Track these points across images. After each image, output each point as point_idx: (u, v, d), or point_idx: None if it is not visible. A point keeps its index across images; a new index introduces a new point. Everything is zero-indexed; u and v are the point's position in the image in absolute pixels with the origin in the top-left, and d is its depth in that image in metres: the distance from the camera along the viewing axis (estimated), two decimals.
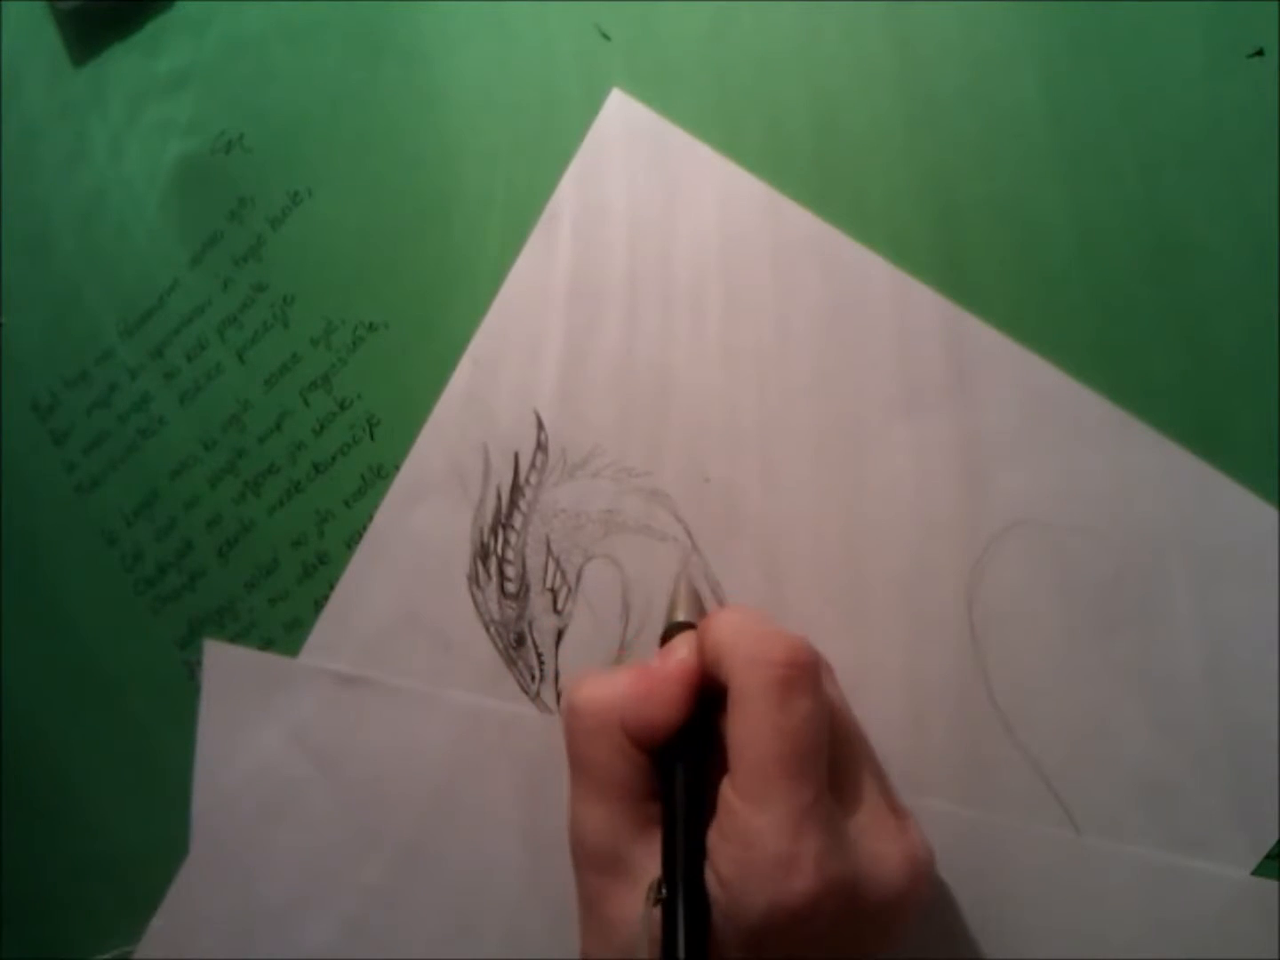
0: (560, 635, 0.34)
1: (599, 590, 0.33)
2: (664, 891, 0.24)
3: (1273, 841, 0.26)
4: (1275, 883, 0.26)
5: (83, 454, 0.43)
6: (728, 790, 0.24)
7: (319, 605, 0.37)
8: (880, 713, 0.30)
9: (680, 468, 0.32)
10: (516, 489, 0.34)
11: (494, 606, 0.35)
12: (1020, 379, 0.29)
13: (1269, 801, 0.26)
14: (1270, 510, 0.27)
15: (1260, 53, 0.28)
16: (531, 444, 0.34)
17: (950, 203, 0.30)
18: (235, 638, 0.39)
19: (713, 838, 0.24)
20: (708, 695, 0.26)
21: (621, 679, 0.27)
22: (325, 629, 0.37)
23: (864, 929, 0.24)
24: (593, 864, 0.26)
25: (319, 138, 0.39)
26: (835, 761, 0.25)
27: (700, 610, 0.30)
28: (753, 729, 0.24)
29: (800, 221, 0.32)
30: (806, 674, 0.25)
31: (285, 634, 0.38)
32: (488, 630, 0.35)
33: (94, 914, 0.41)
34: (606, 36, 0.34)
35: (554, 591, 0.34)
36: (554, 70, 0.35)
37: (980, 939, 0.28)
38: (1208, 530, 0.27)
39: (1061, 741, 0.28)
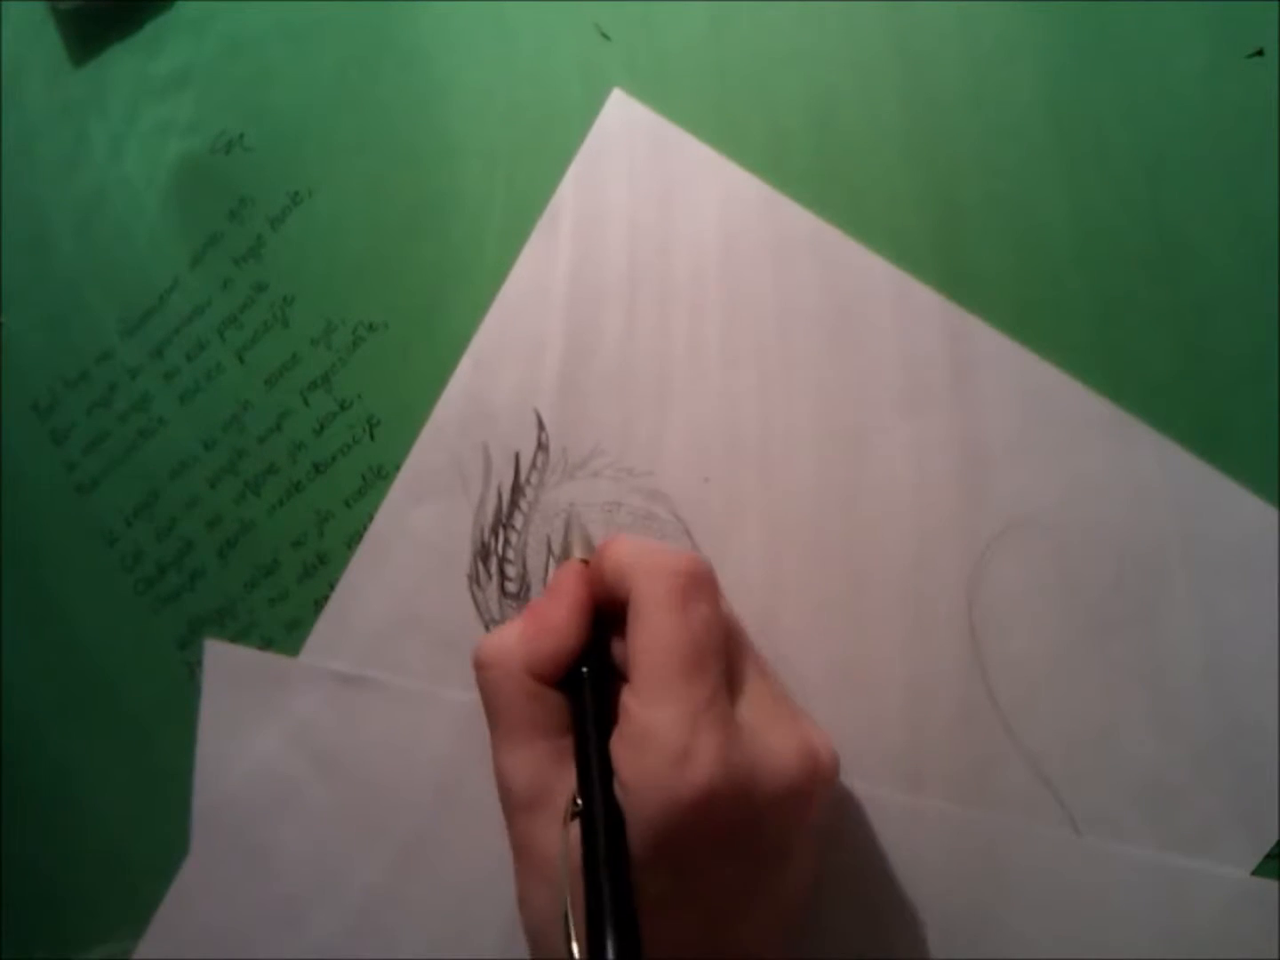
0: None
1: None
2: (579, 804, 0.24)
3: (1273, 841, 0.26)
4: (1275, 883, 0.26)
5: (83, 454, 0.43)
6: (627, 696, 0.25)
7: (319, 605, 0.37)
8: (880, 713, 0.30)
9: (680, 468, 0.32)
10: (517, 489, 0.34)
11: (494, 606, 0.35)
12: (1020, 379, 0.29)
13: (1269, 801, 0.26)
14: (1270, 510, 0.27)
15: (1260, 53, 0.28)
16: (532, 444, 0.34)
17: (950, 203, 0.30)
18: (235, 638, 0.39)
19: (615, 745, 0.25)
20: (606, 621, 0.27)
21: (516, 624, 0.28)
22: (325, 629, 0.37)
23: (763, 821, 0.24)
24: (520, 806, 0.26)
25: (319, 138, 0.39)
26: (732, 668, 0.26)
27: (590, 548, 0.30)
28: (652, 634, 0.25)
29: (800, 221, 0.32)
30: (704, 583, 0.26)
31: (285, 634, 0.38)
32: (487, 630, 0.34)
33: (94, 914, 0.41)
34: (606, 36, 0.34)
35: None
36: (554, 70, 0.35)
37: (980, 939, 0.28)
38: (1208, 530, 0.27)
39: (1061, 741, 0.28)
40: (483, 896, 0.34)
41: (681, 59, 0.33)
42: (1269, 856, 0.26)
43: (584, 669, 0.27)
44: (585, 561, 0.29)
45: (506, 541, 0.34)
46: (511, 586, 0.34)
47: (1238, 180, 0.28)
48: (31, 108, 0.44)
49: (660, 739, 0.23)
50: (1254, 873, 0.27)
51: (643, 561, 0.26)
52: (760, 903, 0.25)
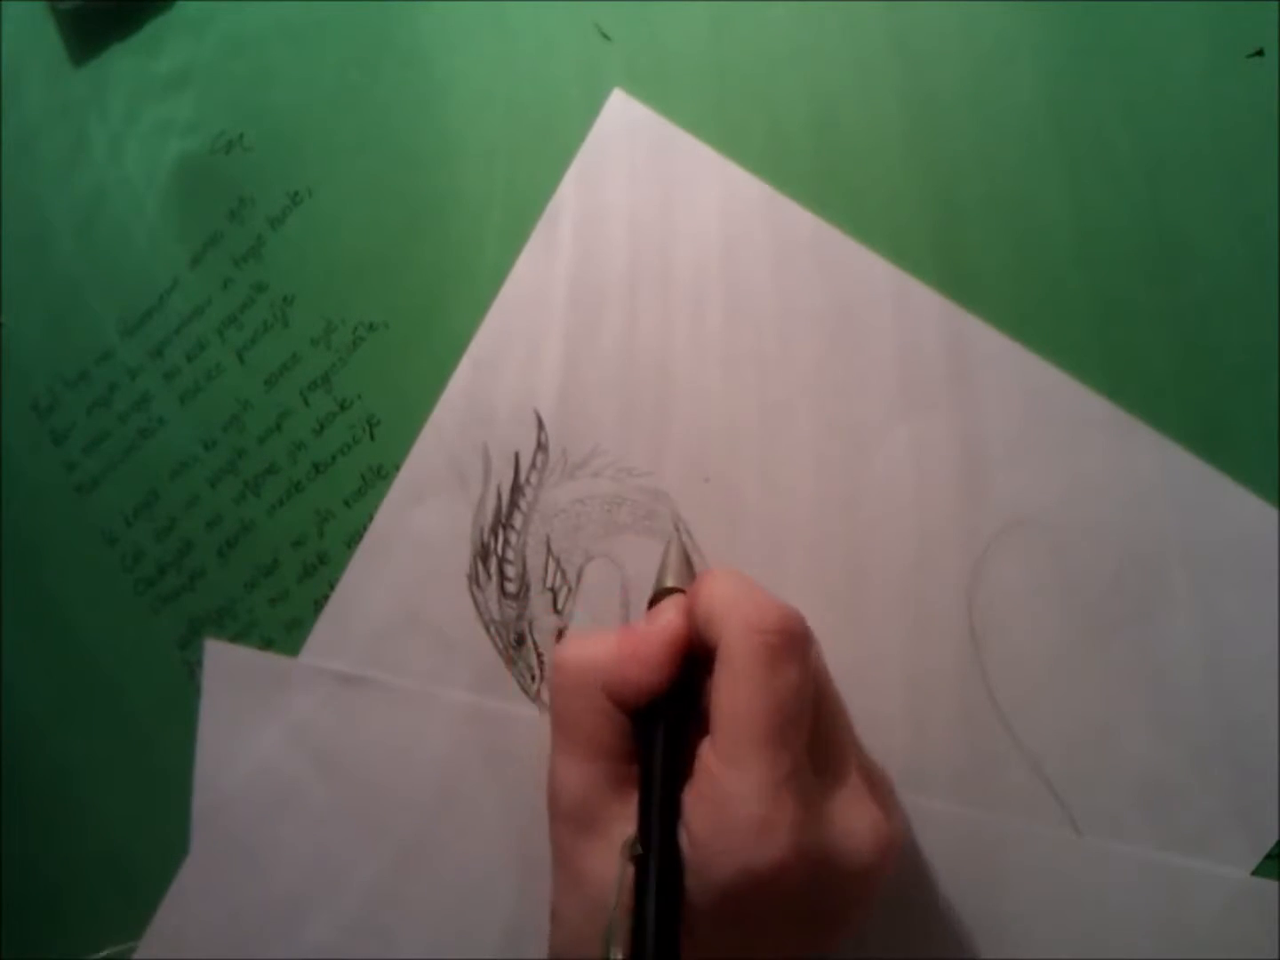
0: (560, 635, 0.34)
1: (599, 590, 0.33)
2: (639, 849, 0.24)
3: (1273, 841, 0.26)
4: (1275, 883, 0.26)
5: (83, 454, 0.43)
6: (707, 752, 0.24)
7: (319, 605, 0.37)
8: (880, 712, 0.30)
9: (680, 468, 0.32)
10: (517, 489, 0.34)
11: (494, 606, 0.35)
12: (1020, 379, 0.29)
13: (1269, 801, 0.26)
14: (1270, 510, 0.27)
15: (1260, 53, 0.28)
16: (532, 444, 0.34)
17: (950, 203, 0.30)
18: (235, 638, 0.39)
19: (688, 798, 0.24)
20: (693, 659, 0.27)
21: (608, 639, 0.27)
22: (325, 629, 0.37)
23: (830, 900, 0.24)
24: (568, 819, 0.26)
25: (319, 138, 0.39)
26: (816, 733, 0.26)
27: (690, 576, 0.30)
28: (738, 693, 0.24)
29: (801, 221, 0.32)
30: (797, 644, 0.25)
31: (285, 634, 0.38)
32: (488, 630, 0.34)
33: (94, 914, 0.41)
34: (606, 36, 0.34)
35: (554, 591, 0.34)
36: (554, 70, 0.35)
37: (980, 939, 0.28)
38: (1208, 530, 0.27)
39: (1061, 741, 0.28)
40: (483, 896, 0.34)
41: (682, 59, 0.33)
42: (1269, 856, 0.26)
43: (664, 710, 0.26)
44: (681, 591, 0.28)
45: (506, 542, 0.34)
46: (511, 586, 0.34)
47: (1238, 180, 0.28)
48: (31, 108, 0.44)
49: (739, 805, 0.23)
50: (1254, 873, 0.27)
51: (735, 612, 0.25)
52: (809, 956, 0.25)
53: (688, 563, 0.30)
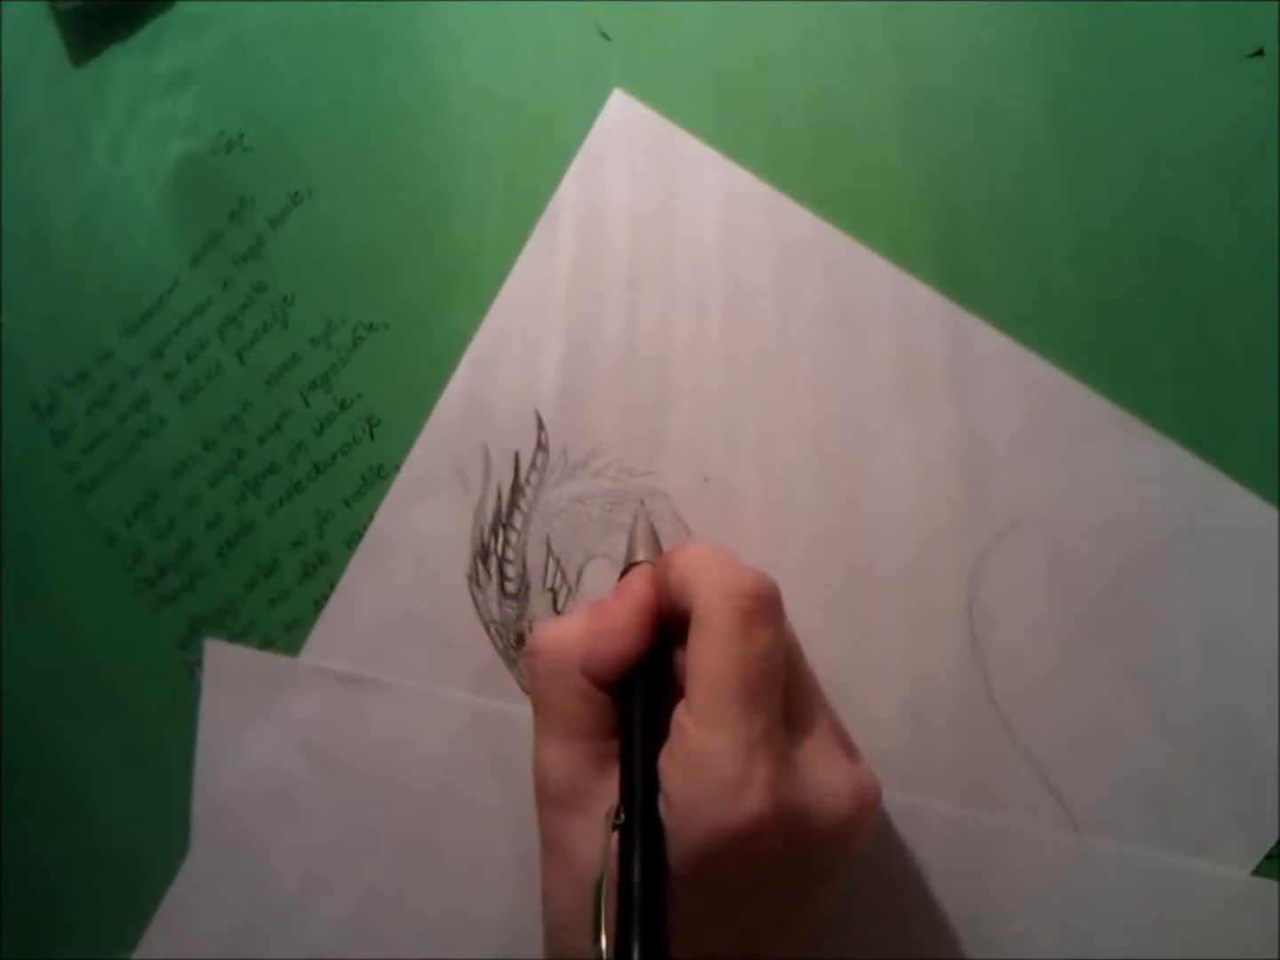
0: None
1: (599, 590, 0.33)
2: (621, 816, 0.24)
3: (1273, 841, 0.26)
4: (1275, 883, 0.26)
5: (83, 454, 0.43)
6: (682, 714, 0.24)
7: (319, 605, 0.37)
8: (880, 713, 0.30)
9: (680, 468, 0.32)
10: (517, 489, 0.34)
11: (494, 606, 0.35)
12: (1021, 379, 0.29)
13: (1269, 801, 0.26)
14: (1270, 510, 0.27)
15: (1260, 53, 0.28)
16: (532, 444, 0.34)
17: (950, 203, 0.30)
18: (235, 638, 0.39)
19: (664, 760, 0.25)
20: (666, 630, 0.27)
21: (579, 619, 0.27)
22: (325, 629, 0.37)
23: (809, 857, 0.24)
24: (554, 802, 0.26)
25: (319, 138, 0.39)
26: (789, 696, 0.26)
27: (658, 550, 0.30)
28: (713, 655, 0.24)
29: (801, 221, 0.32)
30: (770, 607, 0.25)
31: (285, 634, 0.38)
32: (488, 630, 0.34)
33: (94, 914, 0.41)
34: (606, 36, 0.34)
35: (554, 591, 0.34)
36: (554, 70, 0.35)
37: (980, 939, 0.28)
38: (1208, 530, 0.27)
39: (1061, 741, 0.28)
40: (483, 896, 0.34)
41: (682, 59, 0.33)
42: (1269, 857, 0.26)
43: (640, 679, 0.26)
44: (652, 564, 0.29)
45: (506, 541, 0.34)
46: (511, 586, 0.34)
47: (1238, 180, 0.28)
48: (31, 108, 0.44)
49: (714, 764, 0.23)
50: (1254, 873, 0.27)
51: (708, 576, 0.25)
52: (795, 924, 0.25)
53: (654, 537, 0.31)
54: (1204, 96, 0.28)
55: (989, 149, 0.30)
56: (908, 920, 0.29)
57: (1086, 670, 0.28)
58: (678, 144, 0.33)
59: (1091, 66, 0.29)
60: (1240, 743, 0.27)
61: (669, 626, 0.27)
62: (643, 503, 0.32)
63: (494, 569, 0.35)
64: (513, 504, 0.34)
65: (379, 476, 0.37)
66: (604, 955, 0.22)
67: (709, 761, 0.23)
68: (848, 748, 0.27)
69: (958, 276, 0.30)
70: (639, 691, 0.26)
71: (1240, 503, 0.27)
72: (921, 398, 0.30)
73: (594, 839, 0.24)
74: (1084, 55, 0.29)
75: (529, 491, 0.34)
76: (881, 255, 0.31)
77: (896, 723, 0.29)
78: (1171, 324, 0.28)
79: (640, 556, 0.29)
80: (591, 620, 0.27)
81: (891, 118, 0.31)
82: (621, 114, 0.34)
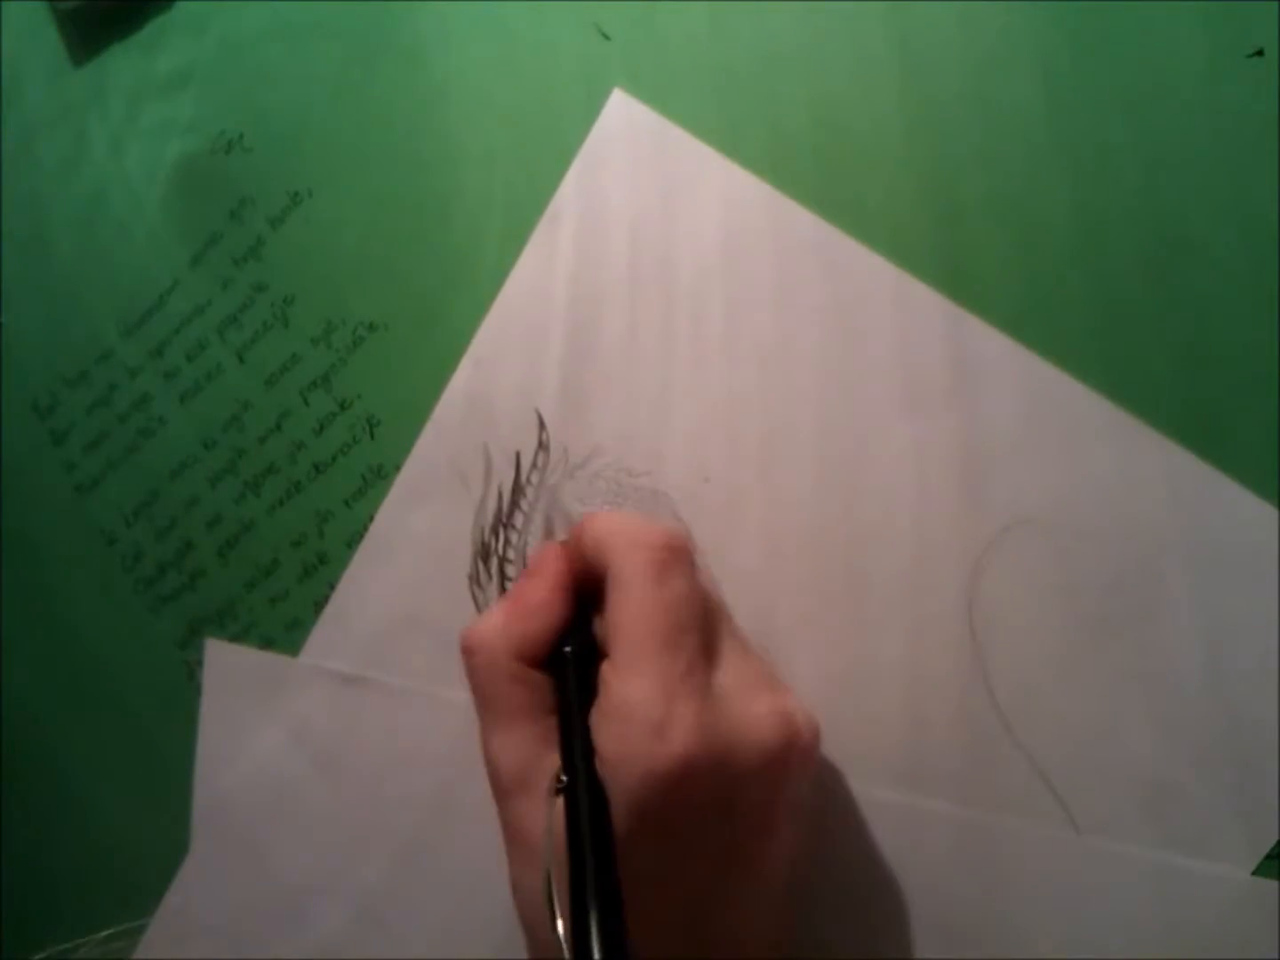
0: None
1: None
2: (562, 781, 0.24)
3: (1273, 841, 0.26)
4: (1275, 883, 0.26)
5: (83, 454, 0.43)
6: (606, 670, 0.25)
7: (319, 605, 0.37)
8: (880, 713, 0.30)
9: (680, 468, 0.32)
10: (518, 488, 0.34)
11: None
12: (1021, 379, 0.29)
13: (1269, 801, 0.26)
14: (1270, 510, 0.27)
15: (1260, 53, 0.28)
16: (533, 443, 0.34)
17: (950, 202, 0.30)
18: (235, 638, 0.39)
19: (594, 719, 0.25)
20: (588, 599, 0.27)
21: (499, 607, 0.28)
22: (325, 629, 0.37)
23: (742, 790, 0.24)
24: (508, 790, 0.26)
25: (319, 138, 0.39)
26: (707, 640, 0.26)
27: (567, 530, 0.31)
28: (629, 607, 0.25)
29: (801, 222, 0.32)
30: (681, 557, 0.26)
31: (285, 634, 0.38)
32: None
33: (95, 912, 0.41)
34: (606, 36, 0.34)
35: None
36: (554, 70, 0.35)
37: (980, 939, 0.28)
38: (1208, 530, 0.27)
39: (1061, 741, 0.28)
40: (483, 896, 0.34)
41: (682, 59, 0.33)
42: (1269, 856, 0.26)
43: (566, 648, 0.27)
44: (564, 543, 0.29)
45: (507, 541, 0.34)
46: (512, 586, 0.34)
47: (1238, 180, 0.28)
48: (31, 108, 0.44)
49: (637, 711, 0.24)
50: (1254, 873, 0.27)
51: (619, 536, 0.26)
52: (743, 882, 0.25)
53: (569, 519, 0.32)
54: (1204, 96, 0.28)
55: (989, 149, 0.30)
56: (908, 920, 0.29)
57: (1087, 670, 0.28)
58: (677, 144, 0.33)
59: (1091, 66, 0.29)
60: (1240, 743, 0.27)
61: (590, 595, 0.27)
62: (553, 487, 0.33)
63: (494, 569, 0.35)
64: (513, 504, 0.34)
65: (379, 477, 0.37)
66: (561, 938, 0.22)
67: (631, 711, 0.24)
68: (774, 684, 0.27)
69: (958, 276, 0.30)
70: (569, 656, 0.27)
71: (1240, 502, 0.27)
72: (921, 397, 0.30)
73: (540, 817, 0.24)
74: (1084, 55, 0.29)
75: (530, 491, 0.34)
76: (882, 254, 0.31)
77: (896, 723, 0.29)
78: (1171, 324, 0.28)
79: (559, 537, 0.30)
80: (511, 605, 0.27)
81: (891, 118, 0.31)
82: (621, 113, 0.34)
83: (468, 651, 0.27)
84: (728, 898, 0.25)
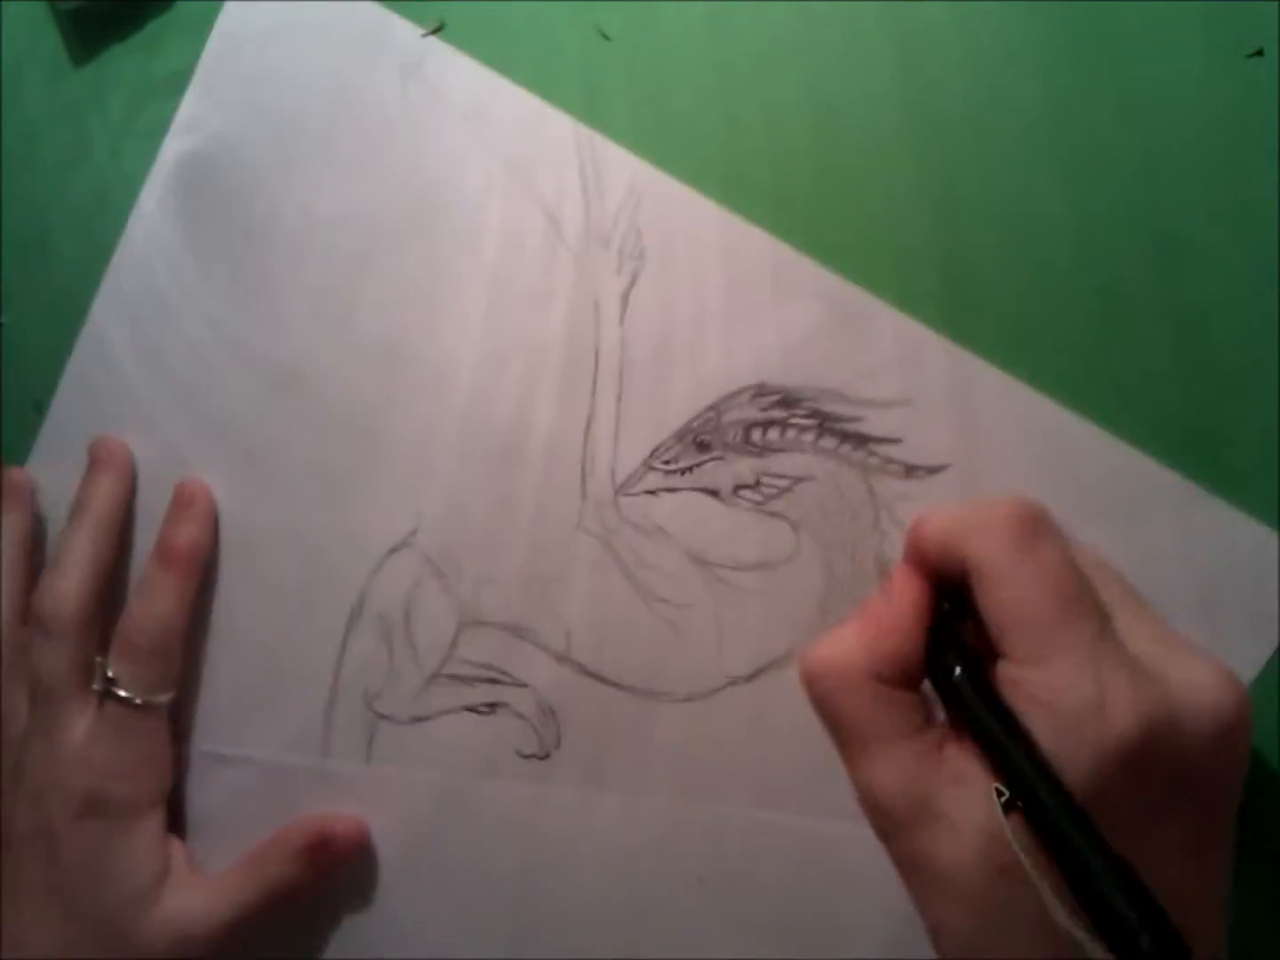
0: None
1: None
2: (1003, 792, 0.21)
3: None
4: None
5: None
6: (1005, 669, 0.22)
7: None
8: None
9: None
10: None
11: None
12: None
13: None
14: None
15: (1260, 53, 0.28)
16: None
17: (950, 202, 0.30)
18: None
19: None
20: (946, 607, 0.25)
21: (847, 628, 0.25)
22: None
23: (1198, 768, 0.22)
24: (903, 825, 0.23)
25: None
26: (1100, 602, 0.23)
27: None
28: (1007, 594, 0.23)
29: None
30: (1039, 522, 0.23)
31: None
32: None
33: None
34: (606, 36, 0.34)
35: None
36: (554, 70, 0.35)
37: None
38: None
39: None
40: (483, 895, 0.34)
41: (681, 59, 0.33)
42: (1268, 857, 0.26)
43: (948, 650, 0.24)
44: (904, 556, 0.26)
45: None
46: None
47: (1237, 180, 0.28)
48: (31, 108, 0.44)
49: (1066, 697, 0.21)
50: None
51: (966, 525, 0.24)
52: (1209, 870, 0.22)
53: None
54: (1204, 96, 0.28)
55: (988, 149, 0.30)
56: (908, 920, 0.29)
57: None
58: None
59: (1091, 66, 0.29)
60: None
61: (948, 601, 0.25)
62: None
63: None
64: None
65: None
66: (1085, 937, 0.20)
67: (1060, 697, 0.21)
68: (1193, 646, 0.24)
69: (957, 276, 0.30)
70: (950, 664, 0.24)
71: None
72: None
73: (963, 844, 0.22)
74: (1084, 55, 0.29)
75: None
76: (880, 255, 0.31)
77: None
78: (1169, 328, 0.28)
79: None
80: (863, 624, 0.25)
81: (891, 118, 0.31)
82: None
83: (814, 679, 0.24)
84: (1193, 908, 0.21)
